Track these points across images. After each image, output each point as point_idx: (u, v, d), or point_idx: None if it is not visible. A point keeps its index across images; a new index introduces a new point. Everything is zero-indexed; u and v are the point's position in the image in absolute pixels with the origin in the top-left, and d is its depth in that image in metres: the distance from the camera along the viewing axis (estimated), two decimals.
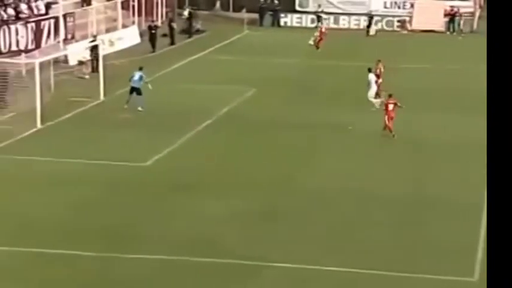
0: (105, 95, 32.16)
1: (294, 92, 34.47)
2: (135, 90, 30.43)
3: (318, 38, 45.23)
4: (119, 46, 43.81)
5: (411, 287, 16.44)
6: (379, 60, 33.24)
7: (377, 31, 52.25)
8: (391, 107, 27.50)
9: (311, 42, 45.04)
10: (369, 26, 52.78)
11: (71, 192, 21.35)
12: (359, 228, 19.21)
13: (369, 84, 31.04)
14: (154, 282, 16.19)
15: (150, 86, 30.75)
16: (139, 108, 30.20)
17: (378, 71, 32.51)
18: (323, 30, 46.27)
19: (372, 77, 31.20)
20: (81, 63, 37.22)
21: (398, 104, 27.56)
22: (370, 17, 53.25)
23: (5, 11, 37.38)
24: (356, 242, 18.35)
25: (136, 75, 30.64)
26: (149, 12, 50.41)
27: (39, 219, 19.43)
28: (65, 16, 40.38)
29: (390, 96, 27.83)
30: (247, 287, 16.10)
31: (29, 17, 38.80)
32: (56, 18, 39.61)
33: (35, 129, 27.39)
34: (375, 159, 25.19)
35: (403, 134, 27.33)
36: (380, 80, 31.88)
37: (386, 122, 27.27)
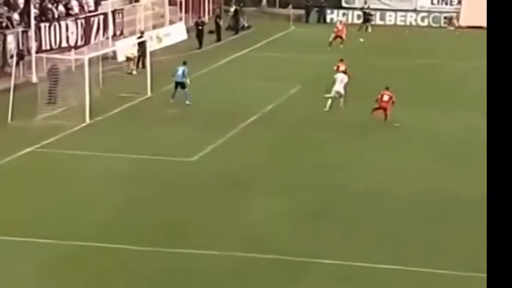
0: (152, 90, 32.67)
1: None
2: (179, 84, 30.93)
3: (334, 35, 44.69)
4: (166, 42, 44.35)
5: (456, 286, 16.56)
6: (341, 60, 32.84)
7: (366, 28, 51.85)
8: (386, 97, 27.92)
9: (331, 39, 45.00)
10: (366, 21, 52.23)
11: (120, 187, 21.81)
12: (406, 226, 19.28)
13: (334, 81, 30.32)
14: (206, 277, 16.43)
15: (188, 81, 31.11)
16: (187, 102, 30.66)
17: (336, 68, 32.01)
18: (340, 27, 45.53)
19: (339, 75, 30.45)
20: (128, 59, 37.80)
21: (394, 99, 28.02)
22: (369, 14, 52.92)
23: (56, 7, 38.14)
24: (403, 240, 18.44)
25: (180, 70, 31.11)
26: (196, 9, 50.92)
27: (89, 213, 19.86)
28: (113, 12, 41.02)
29: (387, 88, 28.45)
30: (297, 282, 16.27)
31: (79, 13, 39.53)
32: (105, 15, 40.27)
33: (84, 124, 27.98)
34: (425, 156, 25.18)
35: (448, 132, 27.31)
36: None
37: (375, 111, 28.03)
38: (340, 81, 30.27)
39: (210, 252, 17.44)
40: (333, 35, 44.97)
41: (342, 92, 30.13)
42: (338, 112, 30.28)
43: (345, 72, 31.51)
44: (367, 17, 52.71)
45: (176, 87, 31.01)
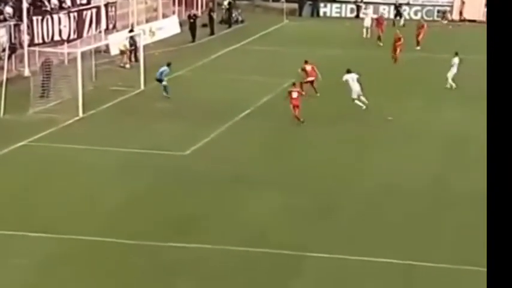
0: (145, 84, 32.62)
1: (332, 83, 34.53)
2: (158, 80, 30.97)
3: (379, 31, 43.87)
4: (159, 36, 44.28)
5: (468, 281, 16.57)
6: (306, 61, 32.24)
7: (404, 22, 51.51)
8: (294, 95, 27.81)
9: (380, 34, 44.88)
10: (399, 16, 51.93)
11: (116, 181, 21.76)
12: (407, 222, 19.27)
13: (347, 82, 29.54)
14: (206, 271, 16.40)
15: (164, 83, 30.82)
16: (165, 94, 30.61)
17: (300, 70, 31.38)
18: (381, 21, 45.18)
19: (349, 77, 29.38)
20: (122, 52, 37.72)
21: (303, 93, 28.12)
22: (399, 6, 52.83)
23: (49, 1, 37.98)
24: (404, 235, 18.46)
25: (161, 69, 31.16)
26: (189, 2, 50.83)
27: (85, 207, 19.79)
28: (106, 6, 40.88)
29: (294, 84, 28.37)
30: (298, 277, 16.27)
31: (72, 6, 39.38)
32: (98, 8, 40.14)
33: (77, 118, 27.89)
34: (423, 151, 25.13)
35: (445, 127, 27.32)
36: (309, 79, 31.13)
37: (292, 110, 27.58)
38: (352, 81, 29.45)
39: (211, 247, 17.39)
40: (379, 32, 44.90)
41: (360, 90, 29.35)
42: (333, 105, 30.23)
43: (310, 70, 31.16)
44: (399, 11, 52.45)
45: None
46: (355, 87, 29.47)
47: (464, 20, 52.68)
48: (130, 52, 37.45)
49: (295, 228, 18.67)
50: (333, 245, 17.70)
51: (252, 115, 29.13)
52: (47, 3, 37.72)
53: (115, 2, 42.56)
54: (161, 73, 31.11)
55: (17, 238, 17.81)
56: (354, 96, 29.46)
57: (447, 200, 20.84)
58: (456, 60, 33.35)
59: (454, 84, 33.18)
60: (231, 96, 31.48)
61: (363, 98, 29.26)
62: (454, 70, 33.26)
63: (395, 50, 38.62)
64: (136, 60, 35.71)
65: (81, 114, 28.17)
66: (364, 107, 29.15)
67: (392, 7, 53.44)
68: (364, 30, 46.93)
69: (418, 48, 42.11)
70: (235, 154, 24.41)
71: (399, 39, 38.78)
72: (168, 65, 31.64)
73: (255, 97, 31.28)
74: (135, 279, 16.07)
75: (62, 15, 37.59)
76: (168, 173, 22.47)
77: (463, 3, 53.56)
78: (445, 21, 53.37)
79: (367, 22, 47.36)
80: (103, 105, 29.73)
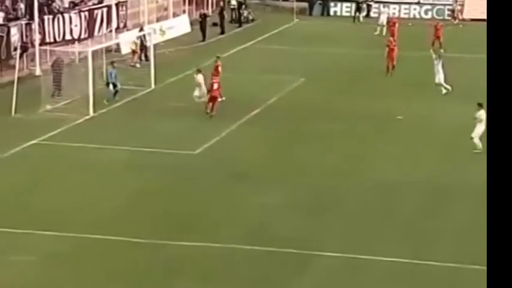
0: (155, 83, 32.70)
1: (343, 82, 34.57)
2: (107, 84, 30.13)
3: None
4: (170, 35, 44.36)
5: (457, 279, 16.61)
6: (218, 57, 31.89)
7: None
8: (215, 86, 27.64)
9: (377, 32, 44.71)
10: (358, 12, 52.37)
11: (125, 180, 21.83)
12: (411, 219, 19.37)
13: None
14: (209, 268, 16.50)
15: (117, 88, 30.15)
16: (105, 102, 29.50)
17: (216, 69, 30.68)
18: (391, 23, 44.23)
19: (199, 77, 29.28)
20: (134, 52, 37.81)
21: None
22: (359, 3, 52.87)
23: (60, 0, 38.12)
24: (411, 233, 18.52)
25: (109, 71, 30.32)
26: (200, 1, 50.93)
27: (94, 205, 19.91)
28: (117, 5, 41.02)
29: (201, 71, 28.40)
30: (302, 275, 16.34)
31: (83, 6, 39.52)
32: (109, 7, 40.27)
33: (87, 117, 28.01)
34: (426, 149, 25.16)
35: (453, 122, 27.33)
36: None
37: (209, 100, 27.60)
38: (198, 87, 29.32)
39: (216, 245, 17.47)
40: (380, 28, 44.56)
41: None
42: (343, 104, 30.28)
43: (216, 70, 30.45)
44: (359, 6, 52.77)
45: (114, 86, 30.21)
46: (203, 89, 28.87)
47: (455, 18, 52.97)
48: (141, 51, 37.55)
49: (299, 227, 18.70)
50: (338, 243, 17.76)
51: (262, 114, 29.19)
52: (58, 2, 37.86)
53: (126, 1, 42.69)
54: (111, 75, 29.95)
55: (24, 236, 17.90)
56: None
57: (449, 199, 20.82)
58: (437, 61, 32.46)
59: (445, 86, 32.49)
60: (242, 95, 31.49)
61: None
62: (437, 72, 32.36)
63: (392, 59, 35.62)
64: (147, 59, 35.79)
65: (91, 113, 28.28)
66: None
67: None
68: (378, 28, 46.90)
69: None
70: (247, 153, 24.45)
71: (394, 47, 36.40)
72: (112, 62, 30.83)
73: (266, 95, 31.33)
74: (136, 277, 16.14)
75: (73, 14, 37.73)
76: (177, 172, 22.53)
77: (456, 1, 53.77)
78: (456, 21, 53.23)
79: (383, 20, 47.43)
80: (113, 104, 29.82)
